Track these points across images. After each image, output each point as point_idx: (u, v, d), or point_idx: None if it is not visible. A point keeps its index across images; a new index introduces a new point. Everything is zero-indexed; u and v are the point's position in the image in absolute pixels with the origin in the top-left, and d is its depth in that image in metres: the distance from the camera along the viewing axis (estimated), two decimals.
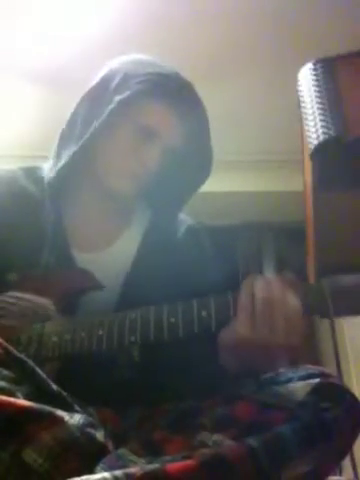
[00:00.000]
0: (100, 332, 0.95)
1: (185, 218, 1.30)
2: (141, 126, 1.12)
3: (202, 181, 1.23)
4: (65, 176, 1.15)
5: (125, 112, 1.11)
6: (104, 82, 1.15)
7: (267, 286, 0.90)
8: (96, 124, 1.10)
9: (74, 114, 1.17)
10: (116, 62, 1.19)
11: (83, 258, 1.12)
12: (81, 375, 0.95)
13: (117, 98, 1.09)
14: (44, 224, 1.12)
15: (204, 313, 0.93)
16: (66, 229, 1.15)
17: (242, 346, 0.90)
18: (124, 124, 1.13)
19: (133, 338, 0.94)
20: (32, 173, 1.21)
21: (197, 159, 1.20)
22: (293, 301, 0.89)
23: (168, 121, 1.13)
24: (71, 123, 1.17)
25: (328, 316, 0.91)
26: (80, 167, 1.16)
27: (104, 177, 1.15)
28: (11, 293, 1.02)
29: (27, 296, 1.01)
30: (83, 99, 1.18)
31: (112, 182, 1.14)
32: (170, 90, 1.12)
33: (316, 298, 0.90)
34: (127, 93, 1.09)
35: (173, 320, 0.93)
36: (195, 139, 1.18)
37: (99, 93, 1.15)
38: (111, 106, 1.09)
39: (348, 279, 0.90)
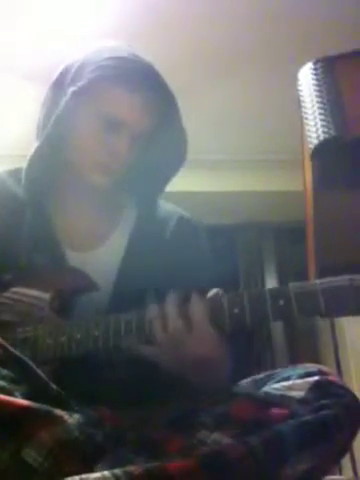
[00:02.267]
0: (96, 333, 0.95)
1: (175, 209, 1.28)
2: (104, 115, 1.09)
3: (179, 162, 1.20)
4: (42, 174, 1.14)
5: (86, 102, 1.09)
6: (62, 75, 1.13)
7: (161, 317, 0.91)
8: (53, 120, 1.08)
9: (39, 113, 1.17)
10: (76, 54, 1.16)
11: (75, 257, 1.11)
12: (78, 375, 0.95)
13: (71, 89, 1.07)
14: (31, 224, 1.12)
15: None
16: (56, 228, 1.14)
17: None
18: (87, 115, 1.10)
19: (128, 339, 0.94)
20: (17, 174, 1.20)
21: (171, 140, 1.16)
22: (195, 315, 0.90)
23: (130, 106, 1.09)
24: (38, 120, 1.16)
25: (322, 316, 0.91)
26: (59, 163, 1.16)
27: (79, 171, 1.13)
28: (12, 289, 1.02)
29: (22, 290, 1.01)
30: (46, 94, 1.16)
31: (87, 176, 1.12)
32: (127, 73, 1.08)
33: (309, 299, 0.90)
34: (80, 83, 1.07)
35: None
36: (164, 120, 1.13)
37: (58, 86, 1.13)
38: (66, 98, 1.07)
39: (341, 279, 0.89)
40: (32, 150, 1.12)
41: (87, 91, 1.07)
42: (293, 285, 0.90)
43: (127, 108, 1.09)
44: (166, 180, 1.22)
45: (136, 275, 1.11)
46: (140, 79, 1.09)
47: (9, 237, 1.10)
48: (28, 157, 1.13)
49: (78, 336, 0.95)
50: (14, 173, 1.22)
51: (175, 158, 1.19)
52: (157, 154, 1.17)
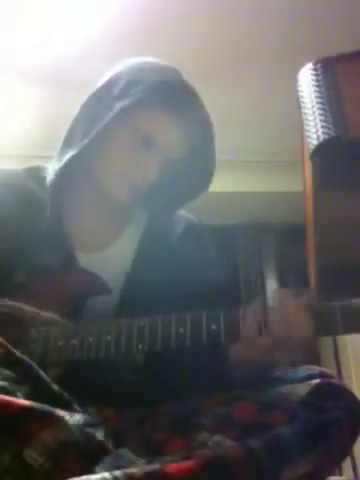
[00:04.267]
0: (108, 338, 0.95)
1: (184, 214, 1.29)
2: (140, 133, 1.10)
3: (201, 191, 1.21)
4: (65, 177, 1.15)
5: (125, 118, 1.10)
6: (108, 86, 1.14)
7: (283, 308, 0.90)
8: (96, 130, 1.09)
9: (77, 116, 1.16)
10: (123, 65, 1.17)
11: (85, 258, 1.11)
12: (83, 376, 0.95)
13: (118, 105, 1.08)
14: (46, 225, 1.12)
15: (214, 326, 0.93)
16: (68, 230, 1.14)
17: (249, 361, 0.91)
18: (124, 130, 1.12)
19: (141, 346, 0.94)
20: (34, 173, 1.20)
21: (198, 169, 1.18)
22: (307, 325, 0.88)
23: (168, 131, 1.11)
24: (74, 125, 1.16)
25: (336, 334, 0.91)
26: (81, 168, 1.16)
27: (103, 182, 1.14)
28: (18, 304, 1.01)
29: (31, 309, 1.00)
30: (87, 102, 1.16)
31: (110, 188, 1.13)
32: (172, 100, 1.10)
33: (326, 319, 0.89)
34: (128, 100, 1.07)
35: (181, 330, 0.93)
36: (197, 150, 1.16)
37: (102, 97, 1.13)
38: (111, 113, 1.08)
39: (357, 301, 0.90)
40: (68, 157, 1.12)
41: (130, 109, 1.08)
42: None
43: (163, 130, 1.11)
44: (183, 203, 1.24)
45: (145, 278, 1.11)
46: (184, 107, 1.11)
47: (24, 235, 1.10)
48: (63, 162, 1.13)
49: (90, 340, 0.95)
50: (31, 171, 1.22)
51: (198, 186, 1.21)
52: (182, 178, 1.19)
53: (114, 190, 1.13)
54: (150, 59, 1.19)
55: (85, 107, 1.16)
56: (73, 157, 1.11)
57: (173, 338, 0.93)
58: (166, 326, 0.94)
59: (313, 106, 1.04)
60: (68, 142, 1.15)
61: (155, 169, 1.12)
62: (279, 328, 0.88)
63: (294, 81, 1.13)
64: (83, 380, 0.93)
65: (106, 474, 0.65)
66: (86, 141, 1.10)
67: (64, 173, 1.14)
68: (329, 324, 0.89)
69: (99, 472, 0.67)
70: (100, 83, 1.16)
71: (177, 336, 0.93)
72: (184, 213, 1.29)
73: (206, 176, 1.20)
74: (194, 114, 1.13)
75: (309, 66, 1.11)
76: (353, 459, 2.14)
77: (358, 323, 0.88)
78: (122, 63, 1.18)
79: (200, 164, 1.18)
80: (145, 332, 0.94)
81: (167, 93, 1.10)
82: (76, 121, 1.16)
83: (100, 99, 1.13)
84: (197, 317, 0.94)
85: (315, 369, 0.88)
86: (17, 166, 1.26)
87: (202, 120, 1.14)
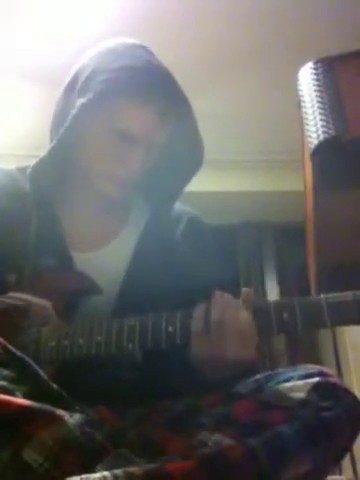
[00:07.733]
0: (98, 338, 0.95)
1: (186, 209, 1.27)
2: (116, 129, 1.06)
3: (195, 169, 1.17)
4: (48, 174, 1.12)
5: (96, 114, 1.06)
6: (73, 80, 1.11)
7: (220, 306, 0.91)
8: (62, 129, 1.06)
9: (52, 115, 1.15)
10: (87, 55, 1.13)
11: (81, 258, 1.10)
12: (80, 376, 0.95)
13: (79, 101, 1.04)
14: (39, 224, 1.11)
15: (171, 328, 0.93)
16: (63, 229, 1.14)
17: (200, 361, 0.92)
18: (95, 126, 1.08)
19: (131, 345, 0.94)
20: (27, 172, 1.20)
21: (186, 148, 1.14)
22: (245, 318, 0.90)
23: (143, 120, 1.05)
24: (51, 123, 1.15)
25: (325, 327, 0.92)
26: (69, 167, 1.15)
27: (90, 180, 1.12)
28: (11, 294, 1.01)
29: (26, 296, 1.00)
30: (59, 97, 1.14)
31: (97, 185, 1.11)
32: (138, 86, 1.04)
33: (314, 312, 0.90)
34: (89, 95, 1.03)
35: (171, 329, 0.93)
36: (179, 130, 1.11)
37: (68, 93, 1.10)
38: (74, 111, 1.04)
39: (345, 294, 0.90)
40: (43, 153, 1.11)
41: (97, 103, 1.04)
42: (298, 299, 0.91)
43: (139, 122, 1.06)
44: (182, 185, 1.20)
45: (144, 276, 1.10)
46: (153, 90, 1.05)
47: (16, 236, 1.09)
48: (38, 158, 1.12)
49: (80, 341, 0.95)
50: (24, 170, 1.21)
51: (191, 163, 1.17)
52: (172, 161, 1.16)
53: (101, 188, 1.11)
54: (117, 41, 1.14)
55: (57, 103, 1.14)
56: (48, 153, 1.09)
57: (163, 337, 0.93)
58: (156, 325, 0.93)
59: (313, 106, 1.05)
60: (50, 138, 1.14)
61: (139, 160, 1.08)
62: (217, 326, 0.89)
63: (294, 81, 1.13)
64: (80, 379, 0.93)
65: (106, 473, 0.65)
66: (55, 140, 1.08)
67: (42, 170, 1.11)
68: (316, 320, 0.89)
69: (99, 471, 0.67)
70: (68, 78, 1.13)
71: (167, 335, 0.93)
72: (186, 208, 1.27)
73: (196, 151, 1.15)
74: (165, 94, 1.07)
75: (309, 66, 1.11)
76: (353, 459, 2.14)
77: (343, 317, 0.89)
78: (88, 52, 1.13)
79: (186, 142, 1.14)
80: (135, 331, 0.94)
81: (130, 81, 1.04)
82: (52, 117, 1.14)
83: (67, 95, 1.10)
84: (187, 315, 0.94)
85: (314, 368, 0.88)
86: (17, 165, 1.26)
87: (175, 97, 1.08)
